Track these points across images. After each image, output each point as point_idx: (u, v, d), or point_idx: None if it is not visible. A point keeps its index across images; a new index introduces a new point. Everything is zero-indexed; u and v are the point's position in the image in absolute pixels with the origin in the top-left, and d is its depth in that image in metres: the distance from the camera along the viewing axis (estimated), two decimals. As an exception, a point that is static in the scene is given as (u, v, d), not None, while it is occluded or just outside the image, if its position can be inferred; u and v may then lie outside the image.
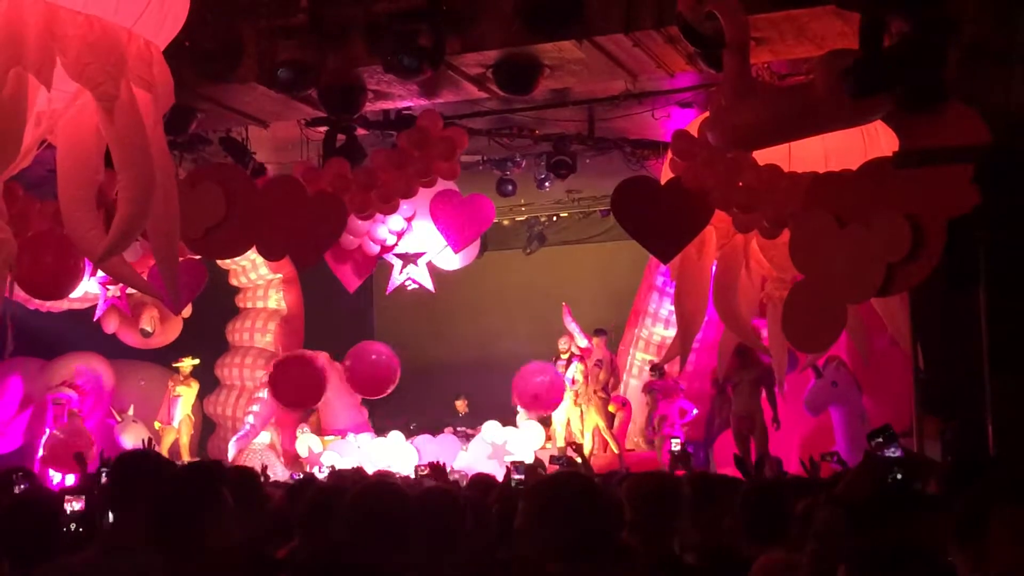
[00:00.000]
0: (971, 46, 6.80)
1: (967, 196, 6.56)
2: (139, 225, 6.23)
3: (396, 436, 13.69)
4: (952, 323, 7.81)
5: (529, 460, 12.02)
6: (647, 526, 3.70)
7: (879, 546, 2.78)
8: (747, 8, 7.67)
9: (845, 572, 2.53)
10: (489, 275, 16.29)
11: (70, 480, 11.75)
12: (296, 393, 13.52)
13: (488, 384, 15.56)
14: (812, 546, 3.22)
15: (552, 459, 9.71)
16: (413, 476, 8.93)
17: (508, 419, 14.28)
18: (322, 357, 13.76)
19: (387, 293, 12.97)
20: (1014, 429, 6.32)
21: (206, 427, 14.95)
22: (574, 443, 11.78)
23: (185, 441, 14.22)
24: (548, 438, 14.16)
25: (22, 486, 6.24)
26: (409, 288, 12.60)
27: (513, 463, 7.40)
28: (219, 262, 13.59)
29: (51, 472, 12.77)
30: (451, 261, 12.49)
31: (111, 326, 13.58)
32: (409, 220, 11.89)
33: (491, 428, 13.89)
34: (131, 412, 14.14)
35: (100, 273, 11.44)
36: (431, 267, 12.46)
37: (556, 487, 3.12)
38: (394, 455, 13.13)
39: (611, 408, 13.76)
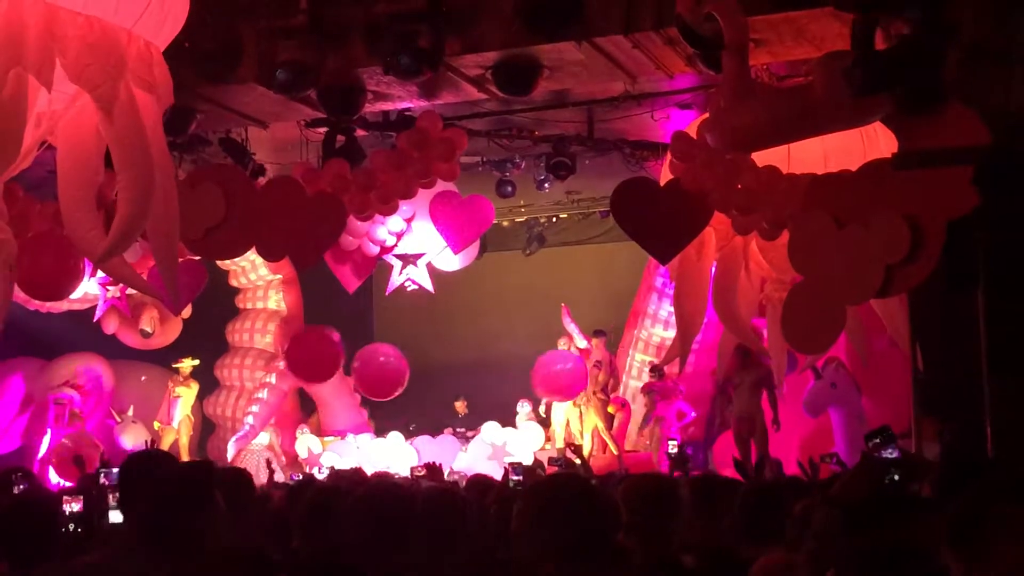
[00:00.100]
0: (971, 47, 6.80)
1: (966, 197, 6.57)
2: (139, 226, 6.22)
3: (395, 437, 13.69)
4: (951, 324, 7.81)
5: (528, 461, 12.03)
6: (645, 528, 3.71)
7: (875, 547, 2.78)
8: (746, 10, 7.67)
9: (837, 573, 2.53)
10: (488, 276, 16.29)
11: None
12: (312, 367, 13.47)
13: (487, 385, 15.58)
14: (809, 546, 3.23)
15: (551, 460, 9.71)
16: (409, 477, 8.93)
17: (507, 420, 14.29)
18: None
19: (387, 294, 12.98)
20: (1012, 430, 6.33)
21: (206, 428, 14.95)
22: (573, 444, 11.79)
23: (185, 442, 14.22)
24: (547, 439, 14.17)
25: (21, 486, 6.25)
26: (409, 289, 12.60)
27: (511, 464, 7.42)
28: (219, 263, 13.59)
29: (50, 472, 12.79)
30: (450, 262, 12.49)
31: (111, 327, 13.58)
32: (408, 221, 11.89)
33: (490, 429, 13.90)
34: (131, 413, 14.15)
35: (100, 274, 11.44)
36: (430, 268, 12.47)
37: (553, 488, 3.12)
38: (393, 456, 13.13)
39: (610, 409, 13.77)
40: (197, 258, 11.71)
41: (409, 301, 13.65)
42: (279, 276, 14.48)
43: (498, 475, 8.20)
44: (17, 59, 5.66)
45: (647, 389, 13.57)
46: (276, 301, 14.72)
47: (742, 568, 3.77)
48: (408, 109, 11.15)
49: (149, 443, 13.21)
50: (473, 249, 12.76)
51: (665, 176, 9.56)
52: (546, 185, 13.98)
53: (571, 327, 14.12)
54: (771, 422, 11.41)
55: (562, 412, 14.15)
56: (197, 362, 14.50)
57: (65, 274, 10.69)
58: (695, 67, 8.98)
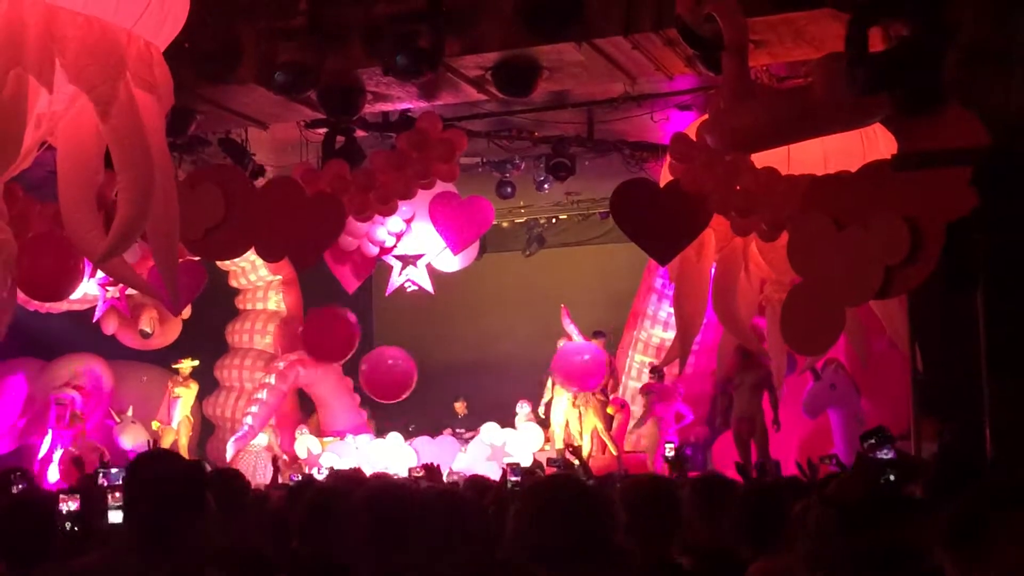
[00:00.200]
0: (970, 48, 6.80)
1: (966, 199, 6.56)
2: (139, 226, 6.23)
3: (395, 438, 13.69)
4: (950, 325, 7.81)
5: (527, 462, 12.04)
6: (644, 529, 3.70)
7: (869, 547, 2.78)
8: (745, 11, 7.68)
9: (832, 573, 2.53)
10: (488, 277, 16.29)
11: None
12: (327, 346, 13.41)
13: (487, 386, 15.58)
14: (802, 546, 3.22)
15: (549, 461, 9.72)
16: (407, 477, 8.92)
17: (507, 421, 14.29)
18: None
19: (386, 295, 12.98)
20: (1012, 431, 6.33)
21: (205, 428, 14.95)
22: (572, 445, 11.79)
23: (184, 442, 14.21)
24: (547, 440, 14.17)
25: (20, 486, 6.25)
26: (408, 290, 12.61)
27: (510, 465, 7.42)
28: (219, 263, 13.59)
29: (50, 472, 12.80)
30: (450, 263, 12.49)
31: (110, 327, 13.58)
32: (408, 222, 11.90)
33: (490, 430, 13.90)
34: (130, 413, 14.14)
35: (99, 274, 11.45)
36: (430, 269, 12.47)
37: (551, 489, 3.12)
38: (393, 457, 13.13)
39: (610, 410, 13.77)
40: (197, 259, 11.71)
41: (409, 302, 13.65)
42: (279, 277, 14.49)
43: (497, 476, 8.20)
44: (17, 60, 5.66)
45: (645, 390, 13.57)
46: (276, 302, 14.72)
47: (741, 569, 3.77)
48: (408, 110, 11.16)
49: (152, 443, 13.25)
50: (473, 250, 12.77)
51: (665, 177, 9.57)
52: (546, 186, 13.98)
53: (570, 328, 14.12)
54: (771, 423, 11.41)
55: (561, 413, 14.15)
56: (197, 363, 14.50)
57: (65, 275, 10.70)
58: (695, 68, 8.99)
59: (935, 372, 8.25)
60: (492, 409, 14.62)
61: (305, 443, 13.82)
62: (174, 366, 14.45)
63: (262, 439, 13.70)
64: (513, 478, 6.66)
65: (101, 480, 7.49)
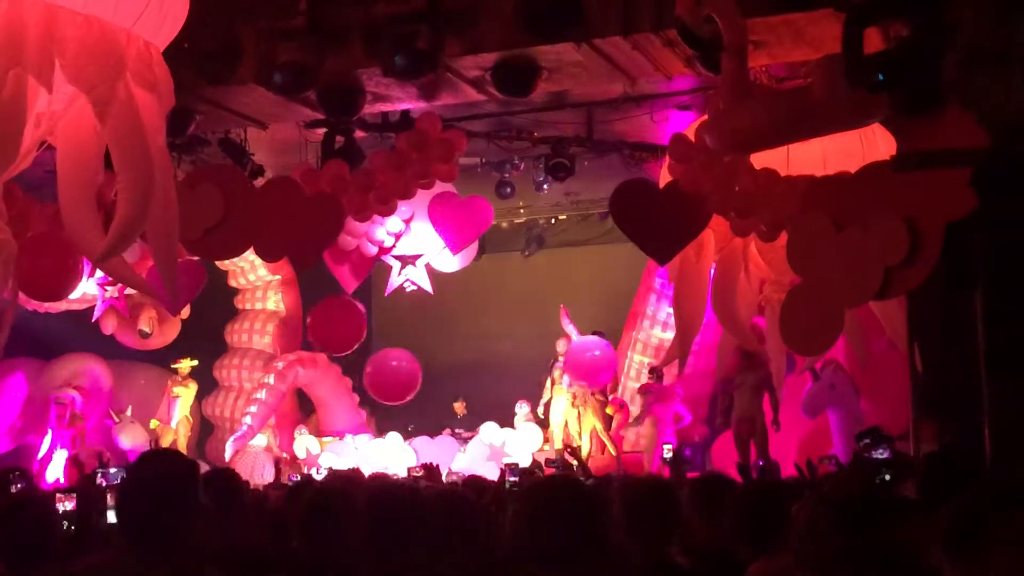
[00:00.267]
0: (969, 48, 6.80)
1: (965, 199, 6.57)
2: (139, 226, 6.23)
3: (394, 438, 13.69)
4: (950, 326, 7.82)
5: (527, 462, 12.04)
6: (642, 529, 3.71)
7: (863, 546, 2.78)
8: (745, 12, 7.67)
9: (825, 573, 2.53)
10: (487, 277, 16.29)
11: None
12: (336, 336, 13.37)
13: (486, 386, 15.58)
14: (795, 545, 3.22)
15: (548, 462, 9.73)
16: (407, 477, 8.92)
17: (506, 421, 14.29)
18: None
19: (386, 295, 12.98)
20: (1011, 431, 6.33)
21: (204, 428, 14.95)
22: (570, 446, 11.79)
23: (183, 442, 14.21)
24: (546, 440, 14.17)
25: (18, 485, 6.25)
26: (407, 290, 12.61)
27: (508, 465, 7.42)
28: (218, 263, 13.59)
29: (48, 472, 12.79)
30: (449, 263, 12.49)
31: (109, 327, 13.58)
32: (407, 222, 11.89)
33: (489, 430, 13.90)
34: (129, 413, 14.14)
35: (99, 274, 11.45)
36: (429, 269, 12.47)
37: (549, 490, 3.12)
38: (392, 457, 13.12)
39: (609, 410, 13.77)
40: (196, 258, 11.71)
41: (408, 302, 13.65)
42: (278, 277, 14.48)
43: (496, 476, 8.20)
44: (17, 59, 5.66)
45: (643, 390, 13.58)
46: (275, 302, 14.72)
47: (740, 569, 3.77)
48: (408, 110, 11.15)
49: (154, 443, 13.25)
50: (472, 250, 12.77)
51: (664, 178, 9.56)
52: (545, 186, 13.98)
53: (570, 328, 14.12)
54: (771, 423, 11.41)
55: (560, 413, 14.15)
56: (196, 363, 14.50)
57: (64, 275, 10.69)
58: (694, 69, 8.99)
59: (934, 372, 8.24)
60: (491, 409, 14.63)
61: (304, 443, 13.81)
62: (173, 366, 14.45)
63: (261, 439, 13.69)
64: (511, 478, 6.66)
65: (100, 480, 7.49)
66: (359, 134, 11.52)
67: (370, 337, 16.04)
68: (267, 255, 11.19)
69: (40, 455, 13.32)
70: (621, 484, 4.42)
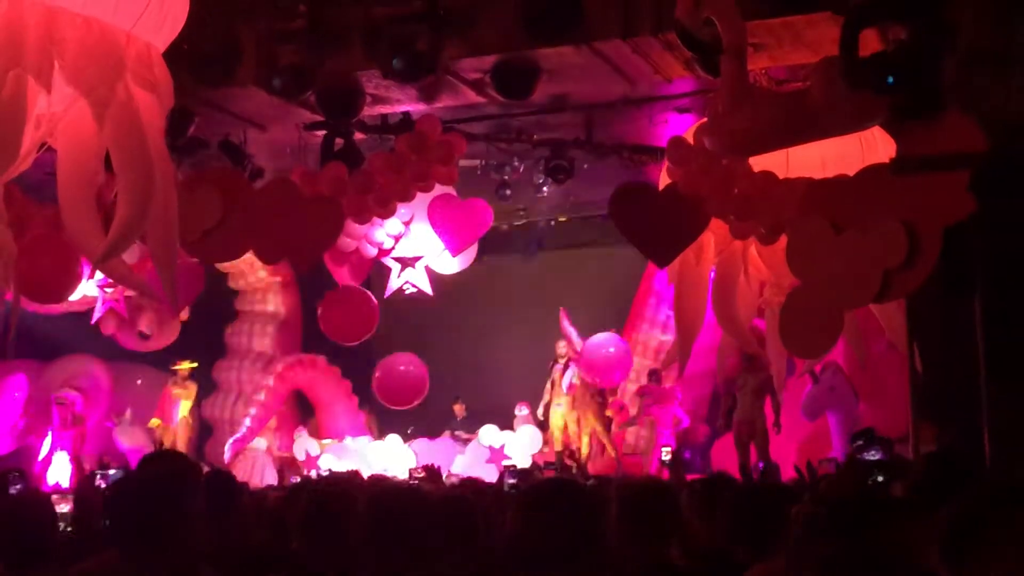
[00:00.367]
0: (969, 51, 6.81)
1: (964, 202, 6.58)
2: (138, 228, 6.22)
3: (394, 440, 13.69)
4: (949, 328, 7.82)
5: (526, 464, 12.04)
6: (641, 531, 3.71)
7: (859, 547, 2.78)
8: (745, 14, 7.67)
9: (818, 573, 2.52)
10: (487, 279, 16.27)
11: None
12: (347, 326, 13.30)
13: (486, 388, 15.57)
14: (789, 545, 3.22)
15: (547, 464, 9.73)
16: (407, 479, 8.93)
17: (506, 423, 14.28)
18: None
19: (385, 297, 12.97)
20: (1011, 433, 6.33)
21: (204, 430, 14.95)
22: (570, 448, 11.80)
23: (182, 444, 14.20)
24: (545, 442, 14.16)
25: (18, 486, 6.25)
26: (407, 292, 12.60)
27: (507, 467, 7.42)
28: (218, 265, 13.58)
29: (49, 474, 12.79)
30: (449, 265, 12.49)
31: (109, 328, 13.57)
32: (407, 224, 11.89)
33: (489, 432, 13.90)
34: (128, 414, 14.14)
35: (98, 275, 11.44)
36: (429, 271, 12.47)
37: (547, 492, 3.12)
38: (391, 459, 13.12)
39: (608, 412, 13.77)
40: (195, 260, 11.70)
41: (407, 304, 13.64)
42: (278, 279, 14.48)
43: (495, 479, 8.21)
44: (16, 60, 5.66)
45: (641, 392, 13.58)
46: (274, 304, 14.71)
47: (739, 571, 3.77)
48: (407, 112, 11.16)
49: (158, 444, 13.24)
50: (471, 252, 12.76)
51: (664, 180, 9.57)
52: (545, 189, 13.98)
53: (569, 331, 14.12)
54: (771, 425, 11.41)
55: (560, 415, 14.15)
56: (195, 364, 14.49)
57: (64, 276, 10.68)
58: (693, 71, 8.99)
59: (934, 374, 8.25)
60: (491, 411, 14.62)
61: (304, 445, 13.81)
62: (173, 368, 14.45)
63: (261, 441, 13.69)
64: (510, 480, 6.67)
65: (99, 481, 7.49)
66: (359, 136, 11.52)
67: (370, 339, 16.05)
68: (266, 257, 11.19)
69: (41, 457, 13.32)
70: (620, 485, 4.43)
